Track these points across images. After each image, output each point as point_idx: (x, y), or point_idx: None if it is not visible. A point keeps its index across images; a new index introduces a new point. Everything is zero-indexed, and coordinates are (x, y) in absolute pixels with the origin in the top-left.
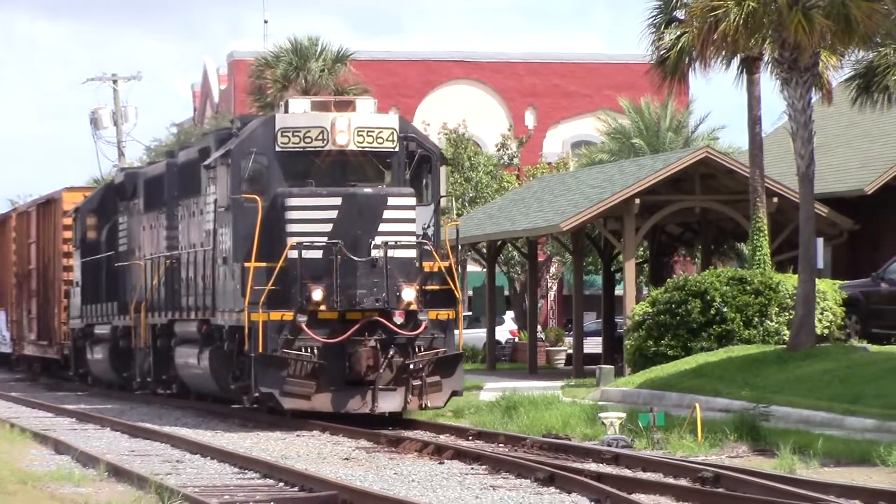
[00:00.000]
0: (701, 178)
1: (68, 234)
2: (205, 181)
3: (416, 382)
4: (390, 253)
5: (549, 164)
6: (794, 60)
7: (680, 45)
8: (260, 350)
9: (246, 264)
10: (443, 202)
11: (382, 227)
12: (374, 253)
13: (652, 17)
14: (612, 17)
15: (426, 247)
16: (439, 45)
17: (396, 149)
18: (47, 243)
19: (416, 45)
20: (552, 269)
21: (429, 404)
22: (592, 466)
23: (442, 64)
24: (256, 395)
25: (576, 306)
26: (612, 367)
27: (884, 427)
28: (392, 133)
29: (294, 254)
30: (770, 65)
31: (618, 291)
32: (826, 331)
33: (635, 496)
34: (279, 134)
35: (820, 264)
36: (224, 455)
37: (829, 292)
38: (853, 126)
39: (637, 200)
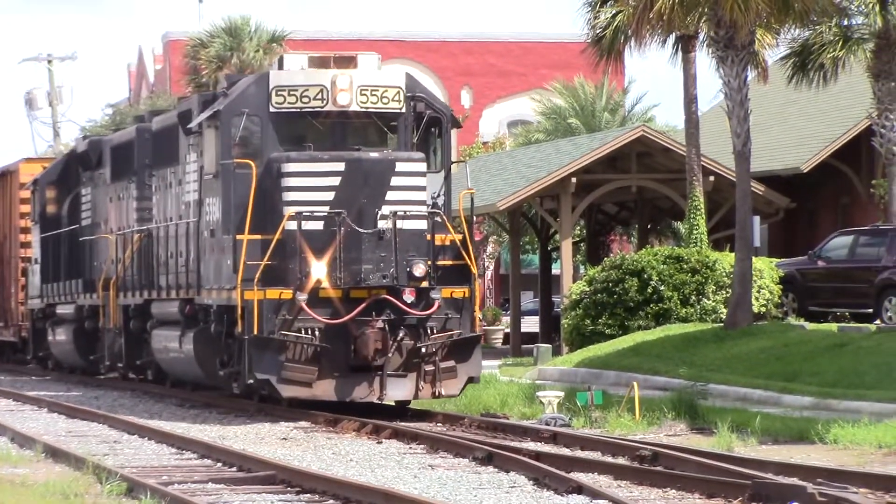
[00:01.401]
0: (637, 157)
1: (26, 209)
2: (184, 148)
3: (429, 368)
4: (399, 224)
5: (485, 143)
6: (730, 39)
7: (615, 23)
8: (255, 332)
9: (238, 237)
10: (454, 168)
11: (390, 195)
12: (381, 224)
13: None
14: None
15: (438, 217)
16: (375, 24)
17: (403, 110)
18: (3, 218)
19: (352, 25)
20: (489, 249)
21: (443, 392)
22: (531, 445)
23: (377, 43)
24: (250, 381)
25: (513, 286)
26: (550, 346)
27: (821, 405)
28: (398, 92)
29: (292, 225)
30: (706, 43)
31: (555, 270)
32: (763, 309)
33: (573, 475)
34: (274, 93)
35: (756, 242)
36: (162, 436)
37: (766, 270)
38: (789, 104)
39: (573, 179)
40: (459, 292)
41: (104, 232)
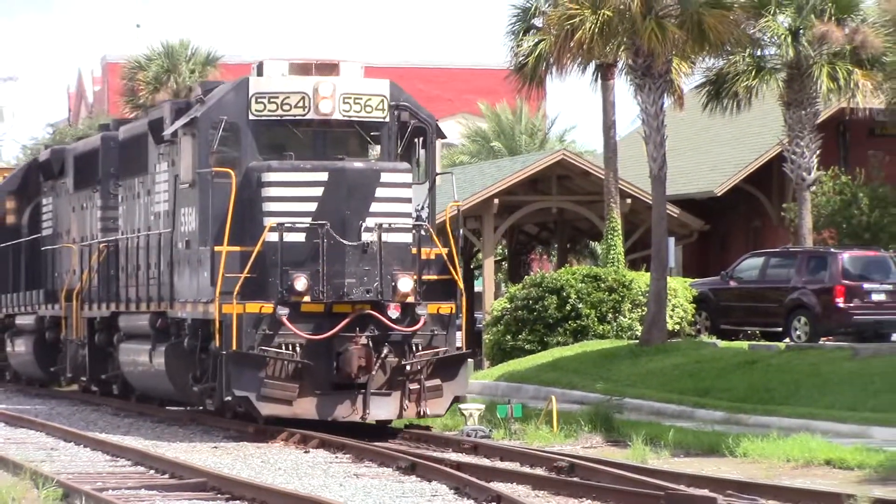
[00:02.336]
0: (557, 180)
1: None
2: (153, 157)
3: (414, 386)
4: (384, 237)
5: None
6: (648, 67)
7: (538, 51)
8: (234, 347)
9: (217, 248)
10: (438, 180)
11: (374, 206)
12: (366, 237)
13: (511, 24)
14: (474, 25)
15: (424, 231)
16: (307, 50)
17: (387, 119)
18: None
19: (284, 50)
20: None
21: (428, 411)
22: (452, 456)
23: None
24: (228, 398)
25: None
26: (472, 360)
27: (732, 419)
28: (382, 101)
29: (273, 236)
30: (624, 71)
31: (477, 287)
32: (677, 327)
33: (493, 485)
34: (253, 100)
35: (671, 263)
36: (97, 443)
37: (680, 290)
38: (704, 131)
39: (496, 200)
40: (446, 308)
41: (66, 242)
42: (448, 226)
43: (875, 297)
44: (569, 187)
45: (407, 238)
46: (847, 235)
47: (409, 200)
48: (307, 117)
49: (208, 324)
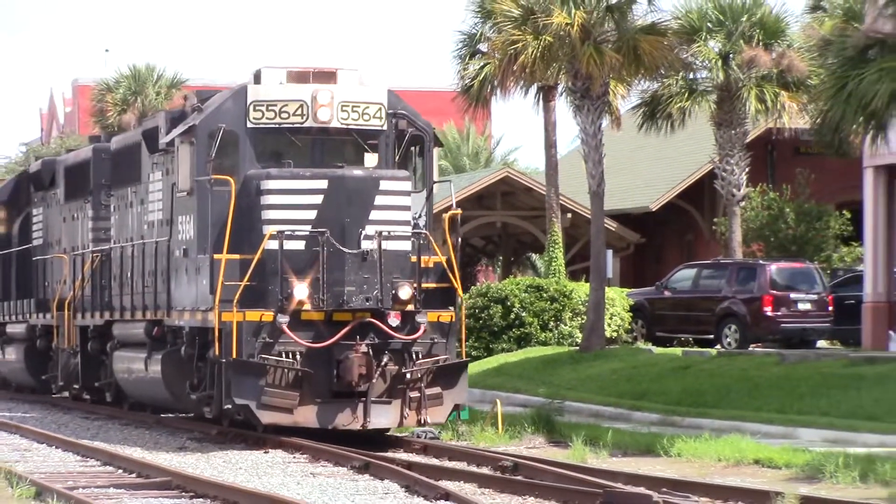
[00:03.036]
0: (502, 196)
1: None
2: (147, 167)
3: (414, 394)
4: (384, 245)
5: None
6: (586, 89)
7: (483, 74)
8: (234, 355)
9: (216, 256)
10: (435, 189)
11: (374, 214)
12: (365, 245)
13: (458, 49)
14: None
15: (423, 239)
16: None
17: (385, 127)
18: None
19: (242, 74)
20: None
21: (429, 420)
22: (403, 456)
23: None
24: (228, 407)
25: None
26: None
27: (666, 421)
28: (380, 109)
29: (273, 244)
30: (565, 93)
31: None
32: (615, 334)
33: (442, 483)
34: (251, 108)
35: (609, 274)
36: (68, 444)
37: (618, 299)
38: (640, 149)
39: (444, 216)
40: (446, 316)
41: (57, 252)
42: (447, 233)
43: (801, 306)
44: (512, 203)
45: (406, 246)
46: (775, 248)
47: (408, 208)
48: (305, 125)
49: (207, 332)
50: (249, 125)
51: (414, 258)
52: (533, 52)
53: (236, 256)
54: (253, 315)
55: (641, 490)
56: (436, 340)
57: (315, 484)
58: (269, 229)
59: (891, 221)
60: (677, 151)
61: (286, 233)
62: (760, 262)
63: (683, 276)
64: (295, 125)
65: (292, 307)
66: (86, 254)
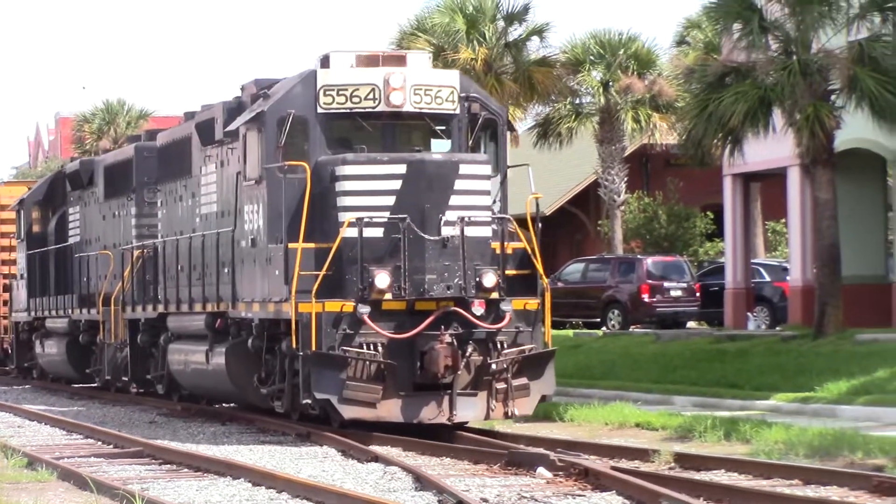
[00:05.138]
0: None
1: (6, 229)
2: (198, 160)
3: (501, 386)
4: (466, 231)
5: None
6: None
7: None
8: (313, 347)
9: (291, 245)
10: (509, 173)
11: (454, 199)
12: (446, 231)
13: None
14: None
15: (509, 225)
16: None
17: (457, 110)
18: None
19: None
20: None
21: (516, 412)
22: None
23: None
24: (307, 401)
25: None
26: None
27: (561, 392)
28: (452, 92)
29: (352, 232)
30: None
31: None
32: None
33: (372, 447)
34: (321, 93)
35: None
36: (55, 421)
37: None
38: (535, 163)
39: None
40: (533, 304)
41: (96, 248)
42: (529, 219)
43: (673, 293)
44: None
45: (487, 232)
46: (650, 245)
47: (488, 193)
48: (377, 109)
49: (278, 323)
50: (320, 110)
51: (494, 244)
52: None
53: (311, 245)
54: (333, 305)
55: (540, 450)
56: (521, 329)
57: (265, 450)
58: (346, 216)
59: (747, 221)
60: (567, 164)
61: (365, 220)
62: (638, 256)
63: (574, 270)
64: (367, 110)
65: (373, 297)
66: (130, 249)
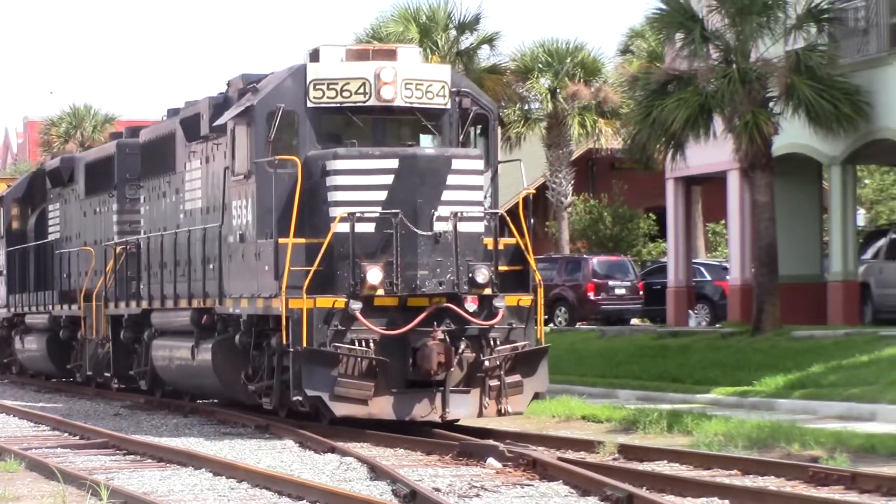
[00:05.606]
0: None
1: None
2: (183, 156)
3: (494, 383)
4: (458, 227)
5: None
6: None
7: None
8: (304, 344)
9: (281, 241)
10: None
11: (446, 195)
12: (438, 226)
13: None
14: None
15: (498, 220)
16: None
17: (448, 105)
18: None
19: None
20: None
21: (509, 409)
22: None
23: None
24: (297, 398)
25: None
26: None
27: None
28: (443, 87)
29: (344, 227)
30: None
31: None
32: None
33: (328, 440)
34: (311, 87)
35: None
36: (22, 413)
37: None
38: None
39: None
40: (526, 300)
41: (77, 245)
42: (521, 214)
43: (618, 292)
44: None
45: (479, 227)
46: (595, 245)
47: (480, 188)
48: (368, 104)
49: (267, 320)
50: (310, 104)
51: (487, 240)
52: None
53: (302, 240)
54: (324, 301)
55: (490, 442)
56: (514, 326)
57: (225, 441)
58: (337, 211)
59: (688, 222)
60: (517, 167)
61: (357, 215)
62: (584, 256)
63: None
64: (357, 104)
65: (365, 293)
66: (111, 246)
